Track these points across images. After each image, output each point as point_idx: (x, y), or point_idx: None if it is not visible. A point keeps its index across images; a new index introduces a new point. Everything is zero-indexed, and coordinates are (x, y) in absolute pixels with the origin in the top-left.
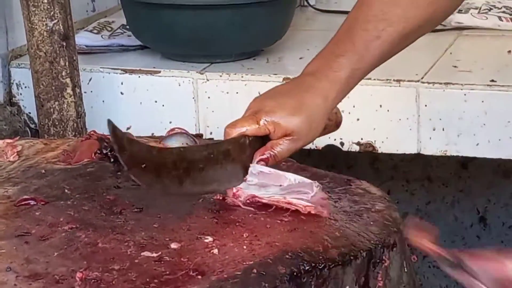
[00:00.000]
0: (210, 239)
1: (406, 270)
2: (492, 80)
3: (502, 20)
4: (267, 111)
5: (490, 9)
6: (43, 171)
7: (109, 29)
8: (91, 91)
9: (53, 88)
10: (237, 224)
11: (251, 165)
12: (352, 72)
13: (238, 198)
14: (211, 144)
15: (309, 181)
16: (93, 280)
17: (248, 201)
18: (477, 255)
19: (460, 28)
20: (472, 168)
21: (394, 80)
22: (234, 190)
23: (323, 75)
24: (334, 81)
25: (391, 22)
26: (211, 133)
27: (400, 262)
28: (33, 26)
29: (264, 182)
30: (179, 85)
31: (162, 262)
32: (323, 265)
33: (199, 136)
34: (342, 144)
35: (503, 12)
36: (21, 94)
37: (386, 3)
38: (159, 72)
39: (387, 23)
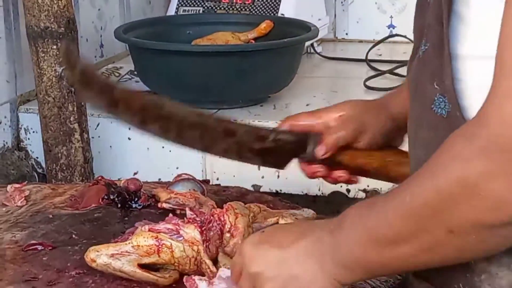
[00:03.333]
0: None
1: None
2: None
3: None
4: None
5: None
6: (51, 216)
7: (117, 74)
8: (99, 136)
9: (61, 133)
10: None
11: (220, 269)
12: None
13: None
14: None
15: None
16: None
17: None
18: None
19: None
20: None
21: None
22: None
23: None
24: None
25: None
26: (217, 178)
27: None
28: (42, 72)
29: None
30: None
31: None
32: None
33: (206, 182)
34: (348, 191)
35: None
36: (29, 139)
37: None
38: None
39: None
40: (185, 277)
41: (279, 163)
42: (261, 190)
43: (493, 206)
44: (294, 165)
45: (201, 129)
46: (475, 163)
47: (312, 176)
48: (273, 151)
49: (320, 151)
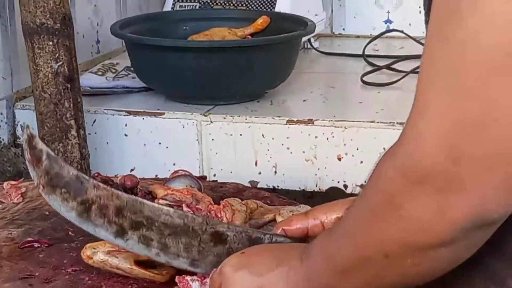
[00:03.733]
0: None
1: None
2: None
3: None
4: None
5: None
6: (47, 213)
7: (114, 71)
8: (95, 133)
9: (58, 129)
10: None
11: (214, 269)
12: None
13: None
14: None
15: None
16: None
17: None
18: None
19: None
20: None
21: (397, 123)
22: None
23: None
24: None
25: None
26: (214, 175)
27: None
28: (38, 68)
29: None
30: (183, 127)
31: None
32: None
33: (203, 178)
34: (345, 186)
35: None
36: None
37: None
38: (163, 114)
39: None
40: (177, 277)
41: None
42: (258, 186)
43: (419, 228)
44: (290, 161)
45: (187, 235)
46: (397, 183)
47: None
48: None
49: None
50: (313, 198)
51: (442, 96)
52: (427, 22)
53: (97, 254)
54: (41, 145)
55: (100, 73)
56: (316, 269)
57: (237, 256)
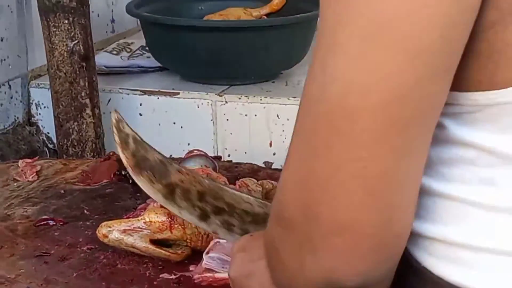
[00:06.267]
0: None
1: None
2: None
3: None
4: None
5: None
6: (62, 191)
7: (129, 50)
8: (110, 112)
9: (73, 108)
10: None
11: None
12: None
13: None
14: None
15: None
16: None
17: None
18: None
19: None
20: None
21: None
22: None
23: None
24: None
25: None
26: (229, 155)
27: None
28: (53, 47)
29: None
30: (198, 107)
31: (181, 284)
32: None
33: (218, 158)
34: None
35: None
36: (40, 114)
37: None
38: (178, 93)
39: None
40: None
41: None
42: (273, 167)
43: (289, 276)
44: None
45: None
46: (273, 228)
47: None
48: None
49: None
50: None
51: (299, 149)
52: None
53: (112, 233)
54: (128, 129)
55: (115, 52)
56: None
57: (244, 238)
